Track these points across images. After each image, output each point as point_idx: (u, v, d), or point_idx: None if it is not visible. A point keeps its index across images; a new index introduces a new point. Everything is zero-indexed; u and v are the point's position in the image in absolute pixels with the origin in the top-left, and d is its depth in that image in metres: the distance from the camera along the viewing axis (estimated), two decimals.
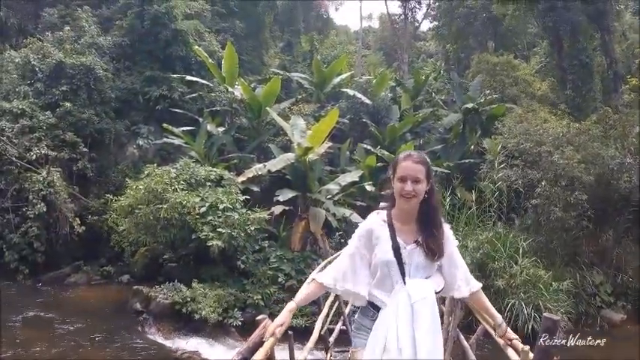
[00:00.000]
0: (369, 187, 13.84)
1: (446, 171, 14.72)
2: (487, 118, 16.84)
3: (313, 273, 3.18)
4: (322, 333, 4.91)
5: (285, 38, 27.79)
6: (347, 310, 6.23)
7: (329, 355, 5.49)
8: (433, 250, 2.32)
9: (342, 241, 12.04)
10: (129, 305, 11.42)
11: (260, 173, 13.08)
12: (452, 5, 26.25)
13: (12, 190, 13.42)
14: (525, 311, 9.71)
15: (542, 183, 11.51)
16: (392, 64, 32.10)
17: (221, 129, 16.18)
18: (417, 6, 31.77)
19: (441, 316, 3.98)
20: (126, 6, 18.42)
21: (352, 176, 13.88)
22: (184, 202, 11.39)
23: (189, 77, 16.61)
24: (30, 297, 12.15)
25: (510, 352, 2.62)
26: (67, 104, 14.76)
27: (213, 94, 17.55)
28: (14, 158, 13.50)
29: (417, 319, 2.19)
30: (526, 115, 14.06)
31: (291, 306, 2.46)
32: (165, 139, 15.40)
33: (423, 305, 2.21)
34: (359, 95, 17.55)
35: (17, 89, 15.06)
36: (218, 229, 11.11)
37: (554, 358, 2.10)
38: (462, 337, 4.81)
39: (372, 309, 2.38)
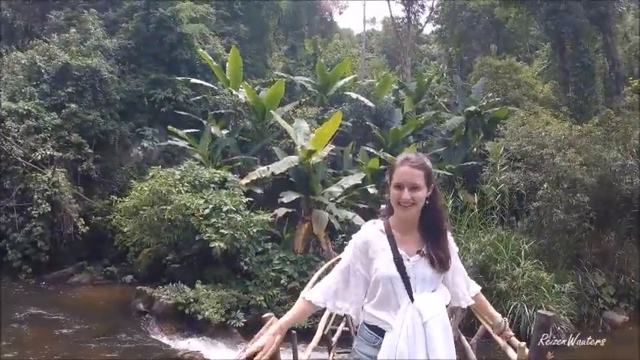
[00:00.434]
0: (371, 190, 13.89)
1: (448, 173, 14.78)
2: (489, 121, 16.90)
3: (304, 291, 3.08)
4: (325, 333, 4.96)
5: (288, 41, 27.89)
6: None
7: (332, 355, 5.54)
8: (442, 260, 2.07)
9: (345, 243, 11.95)
10: (132, 305, 11.44)
11: (263, 176, 13.11)
12: (455, 8, 26.37)
13: (17, 189, 13.49)
14: (527, 313, 9.65)
15: (545, 185, 11.54)
16: (395, 67, 32.18)
17: (225, 131, 16.24)
18: (420, 9, 31.85)
19: None
20: (132, 9, 18.57)
21: (355, 179, 13.90)
22: (188, 204, 11.43)
23: (193, 80, 16.67)
24: (33, 296, 12.19)
25: (510, 352, 2.67)
26: (73, 106, 14.85)
27: (217, 97, 17.65)
28: (20, 158, 13.58)
29: (430, 341, 1.93)
30: (528, 118, 14.09)
31: (274, 328, 2.14)
32: (169, 141, 15.50)
33: (435, 324, 1.95)
34: (362, 98, 17.60)
35: (23, 90, 15.12)
36: (221, 231, 11.14)
37: (549, 353, 2.15)
38: (462, 337, 4.86)
39: (374, 333, 2.08)
